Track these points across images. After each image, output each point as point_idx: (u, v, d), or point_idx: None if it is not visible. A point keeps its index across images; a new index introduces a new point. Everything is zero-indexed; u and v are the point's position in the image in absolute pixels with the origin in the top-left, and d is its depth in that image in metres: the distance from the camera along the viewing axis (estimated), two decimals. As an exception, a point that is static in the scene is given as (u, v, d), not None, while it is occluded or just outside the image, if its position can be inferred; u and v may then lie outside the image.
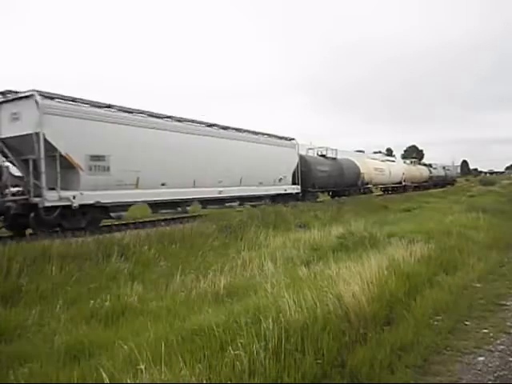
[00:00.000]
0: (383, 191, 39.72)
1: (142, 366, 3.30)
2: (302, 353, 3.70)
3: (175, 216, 17.16)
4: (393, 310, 5.20)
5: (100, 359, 3.81)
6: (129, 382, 3.16)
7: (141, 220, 16.07)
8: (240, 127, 20.66)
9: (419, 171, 48.23)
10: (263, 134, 22.46)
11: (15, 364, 3.92)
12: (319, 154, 29.52)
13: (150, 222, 15.46)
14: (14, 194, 11.99)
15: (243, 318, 4.18)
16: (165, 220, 16.00)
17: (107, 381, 3.17)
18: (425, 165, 54.26)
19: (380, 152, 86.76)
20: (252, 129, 21.58)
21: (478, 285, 7.04)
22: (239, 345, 3.63)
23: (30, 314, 5.39)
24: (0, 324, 5.04)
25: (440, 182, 53.00)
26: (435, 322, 5.21)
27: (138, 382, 3.17)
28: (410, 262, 7.05)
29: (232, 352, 3.54)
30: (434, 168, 55.34)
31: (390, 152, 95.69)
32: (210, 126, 18.66)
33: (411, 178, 44.12)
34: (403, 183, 41.69)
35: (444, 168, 60.64)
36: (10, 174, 12.37)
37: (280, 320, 4.02)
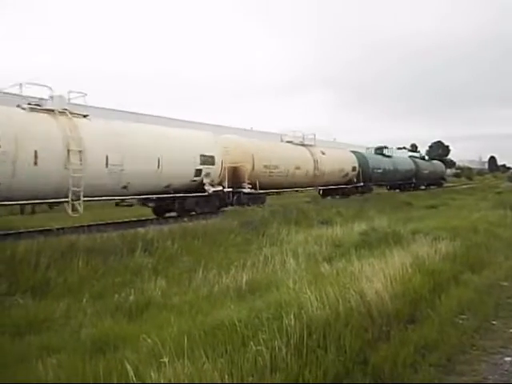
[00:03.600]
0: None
1: (166, 360, 3.34)
2: (324, 349, 3.68)
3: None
4: (417, 308, 5.13)
5: (125, 352, 3.88)
6: (152, 375, 3.21)
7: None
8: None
9: (336, 162, 27.13)
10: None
11: (44, 355, 4.03)
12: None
13: (172, 217, 15.61)
14: None
15: (265, 314, 4.19)
16: (187, 216, 16.15)
17: (131, 373, 3.23)
18: (382, 154, 35.86)
19: (404, 148, 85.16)
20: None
21: (506, 283, 6.87)
22: (261, 340, 3.64)
23: (58, 306, 5.54)
24: (30, 316, 5.20)
25: (407, 182, 37.40)
26: (460, 321, 5.11)
27: (161, 375, 3.22)
28: (435, 260, 6.93)
29: (254, 347, 3.55)
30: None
31: (414, 148, 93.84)
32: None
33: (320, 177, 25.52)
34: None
35: (423, 159, 47.04)
36: None
37: (302, 316, 4.02)
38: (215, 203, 17.47)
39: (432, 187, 43.26)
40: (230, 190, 18.19)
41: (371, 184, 31.10)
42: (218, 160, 17.41)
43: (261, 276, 6.75)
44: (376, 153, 35.87)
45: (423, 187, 41.94)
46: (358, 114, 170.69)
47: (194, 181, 16.51)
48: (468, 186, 47.88)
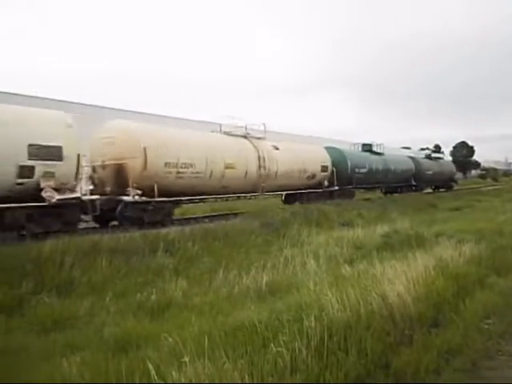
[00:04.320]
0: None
1: (187, 359, 3.37)
2: (344, 352, 3.65)
3: (217, 213, 17.52)
4: (440, 312, 5.03)
5: (146, 351, 3.93)
6: (173, 374, 3.24)
7: (185, 217, 16.40)
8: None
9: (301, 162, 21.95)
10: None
11: (68, 352, 4.12)
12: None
13: (193, 218, 15.74)
14: None
15: (285, 316, 4.18)
16: (208, 217, 16.25)
17: (153, 372, 3.27)
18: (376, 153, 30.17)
19: (427, 148, 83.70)
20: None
21: (534, 288, 6.67)
22: (281, 342, 3.64)
23: (82, 305, 5.65)
24: (55, 314, 5.32)
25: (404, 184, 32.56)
26: (486, 326, 4.99)
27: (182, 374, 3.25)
28: (459, 263, 6.79)
29: (274, 349, 3.55)
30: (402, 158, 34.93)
31: (438, 148, 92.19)
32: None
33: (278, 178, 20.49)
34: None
35: (429, 158, 40.50)
36: None
37: (323, 318, 3.99)
38: (69, 217, 11.64)
39: (441, 190, 38.68)
40: (97, 197, 12.71)
41: (351, 187, 24.95)
42: (69, 153, 11.52)
43: (281, 277, 6.74)
44: (363, 149, 29.95)
45: (428, 190, 37.15)
46: (378, 114, 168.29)
47: (21, 184, 10.67)
48: (493, 187, 46.36)
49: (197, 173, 15.47)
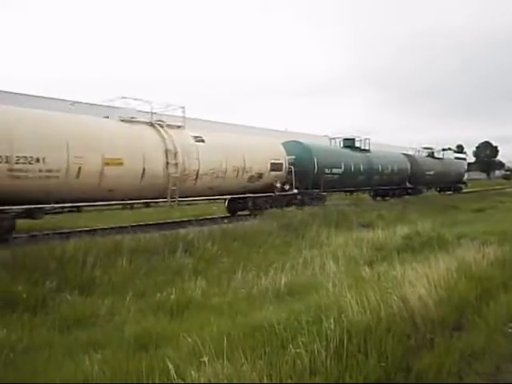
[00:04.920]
0: None
1: (206, 359, 3.40)
2: (364, 355, 3.62)
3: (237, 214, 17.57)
4: (462, 315, 4.94)
5: (166, 350, 3.97)
6: (192, 373, 3.27)
7: (202, 217, 16.50)
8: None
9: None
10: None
11: (90, 349, 4.19)
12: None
13: (211, 219, 15.82)
14: None
15: (304, 317, 4.17)
16: (226, 217, 16.31)
17: (173, 372, 3.30)
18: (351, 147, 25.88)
19: (450, 149, 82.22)
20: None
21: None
22: (300, 343, 3.63)
23: (103, 303, 5.73)
24: (77, 312, 5.42)
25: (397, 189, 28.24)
26: (510, 330, 4.87)
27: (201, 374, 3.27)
28: (482, 265, 6.65)
29: (293, 350, 3.55)
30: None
31: (460, 148, 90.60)
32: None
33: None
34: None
35: (431, 156, 35.55)
36: None
37: (342, 320, 3.97)
38: None
39: (446, 193, 35.35)
40: None
41: (319, 191, 20.43)
42: None
43: (300, 278, 6.72)
44: (345, 145, 25.44)
45: (430, 192, 33.33)
46: (399, 114, 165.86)
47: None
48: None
49: (49, 171, 10.87)
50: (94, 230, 10.89)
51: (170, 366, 3.34)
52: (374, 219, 14.20)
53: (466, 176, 42.10)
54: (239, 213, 17.96)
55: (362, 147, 26.34)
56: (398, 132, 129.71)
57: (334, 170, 22.14)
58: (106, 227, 12.64)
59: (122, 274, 7.11)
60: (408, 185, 29.67)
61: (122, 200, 13.64)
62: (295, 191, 19.10)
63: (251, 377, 3.22)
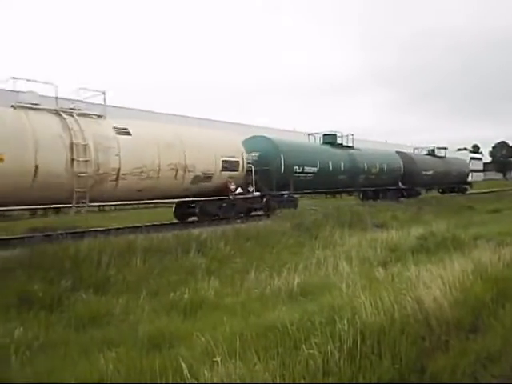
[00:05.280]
0: None
1: (218, 359, 3.41)
2: (378, 356, 3.59)
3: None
4: (478, 317, 4.87)
5: (179, 349, 3.99)
6: (205, 373, 3.28)
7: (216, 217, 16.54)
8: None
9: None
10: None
11: (104, 348, 4.24)
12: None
13: (225, 219, 15.86)
14: None
15: (317, 318, 4.15)
16: (240, 218, 16.33)
17: (186, 371, 3.31)
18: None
19: (465, 149, 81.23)
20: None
21: None
22: (313, 344, 3.62)
23: (118, 302, 5.80)
24: (92, 311, 5.49)
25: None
26: (527, 333, 4.79)
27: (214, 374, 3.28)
28: (499, 267, 6.54)
29: (306, 351, 3.54)
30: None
31: (476, 148, 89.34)
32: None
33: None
34: None
35: (431, 155, 32.41)
36: None
37: (355, 321, 3.94)
38: None
39: (449, 194, 32.56)
40: None
41: (288, 193, 17.76)
42: None
43: (313, 279, 6.70)
44: (325, 141, 22.83)
45: (431, 193, 31.26)
46: (412, 114, 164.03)
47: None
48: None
49: None
50: (109, 229, 11.00)
51: (184, 365, 3.36)
52: (388, 220, 14.09)
53: (470, 176, 38.67)
54: (190, 219, 15.43)
55: (345, 144, 23.53)
56: (411, 133, 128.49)
57: (307, 169, 19.08)
58: (120, 227, 12.76)
59: (136, 273, 7.17)
60: (401, 185, 26.52)
61: (5, 205, 10.82)
62: (256, 194, 16.35)
63: (264, 377, 3.22)
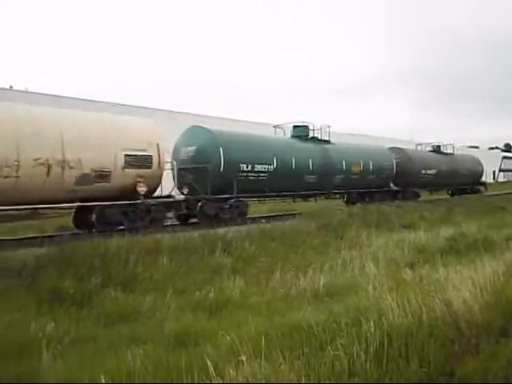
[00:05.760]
0: None
1: (244, 358, 3.42)
2: (405, 359, 3.53)
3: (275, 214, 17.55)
4: (510, 320, 4.71)
5: (205, 347, 4.03)
6: (230, 372, 3.30)
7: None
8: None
9: None
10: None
11: (132, 344, 4.32)
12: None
13: (250, 218, 15.90)
14: None
15: (343, 319, 4.12)
16: (265, 217, 16.34)
17: (211, 369, 3.34)
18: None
19: (497, 148, 78.95)
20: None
21: None
22: (339, 345, 3.59)
23: (145, 300, 5.90)
24: (120, 308, 5.61)
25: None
26: None
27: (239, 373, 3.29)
28: (533, 269, 6.33)
29: (331, 352, 3.51)
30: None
31: (508, 147, 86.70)
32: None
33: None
34: None
35: (437, 151, 28.48)
36: None
37: (382, 323, 3.89)
38: None
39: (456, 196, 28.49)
40: None
41: (236, 197, 14.63)
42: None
43: (339, 279, 6.64)
44: (295, 134, 18.93)
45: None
46: (439, 114, 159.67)
47: None
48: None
49: None
50: (136, 228, 11.19)
51: (209, 363, 3.39)
52: (416, 220, 13.82)
53: (484, 176, 33.64)
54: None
55: (320, 137, 19.60)
56: (438, 132, 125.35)
57: (259, 167, 15.37)
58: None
59: (163, 271, 7.28)
60: (393, 187, 22.60)
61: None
62: (179, 197, 13.54)
63: (289, 377, 3.22)
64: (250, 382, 3.19)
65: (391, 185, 22.75)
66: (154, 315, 5.45)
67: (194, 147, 14.48)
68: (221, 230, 10.53)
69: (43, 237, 10.50)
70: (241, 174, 14.93)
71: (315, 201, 19.28)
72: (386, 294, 4.60)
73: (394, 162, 22.91)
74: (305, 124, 19.42)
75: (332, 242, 10.24)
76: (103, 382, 3.23)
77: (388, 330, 3.78)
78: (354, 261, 7.69)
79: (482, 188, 32.03)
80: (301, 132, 19.22)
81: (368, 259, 7.69)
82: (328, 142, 19.74)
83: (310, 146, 18.68)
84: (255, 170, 15.52)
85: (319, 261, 7.80)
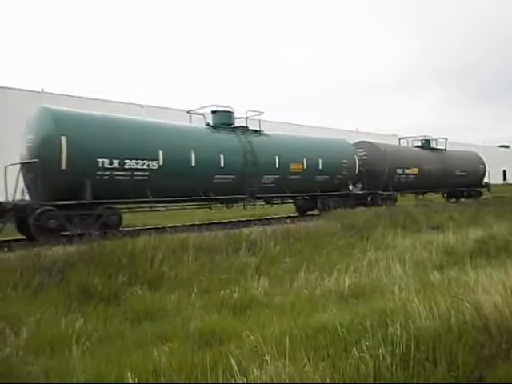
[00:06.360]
0: None
1: (268, 358, 3.43)
2: (433, 362, 3.47)
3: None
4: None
5: (229, 346, 4.06)
6: (254, 371, 3.31)
7: (268, 217, 16.59)
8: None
9: None
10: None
11: (158, 342, 4.39)
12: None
13: (274, 218, 15.88)
14: None
15: (369, 321, 4.07)
16: (289, 217, 16.29)
17: (235, 368, 3.36)
18: None
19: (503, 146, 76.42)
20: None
21: None
22: (364, 347, 3.55)
23: (170, 298, 5.98)
24: (147, 305, 5.70)
25: None
26: None
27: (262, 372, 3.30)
28: None
29: (356, 354, 3.48)
30: None
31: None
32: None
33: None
34: None
35: (428, 148, 23.64)
36: None
37: (409, 326, 3.83)
38: None
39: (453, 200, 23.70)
40: None
41: (85, 203, 10.63)
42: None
43: (364, 281, 6.57)
44: (214, 124, 14.75)
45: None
46: (473, 111, 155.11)
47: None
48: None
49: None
50: (163, 227, 11.34)
51: (233, 362, 3.41)
52: (445, 221, 13.52)
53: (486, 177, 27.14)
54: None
55: (252, 128, 15.50)
56: (472, 130, 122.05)
57: (133, 164, 11.65)
58: (177, 225, 13.08)
59: (188, 270, 7.36)
60: (354, 190, 18.14)
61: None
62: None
63: (314, 378, 3.21)
64: (275, 381, 3.19)
65: (350, 187, 17.87)
66: (179, 313, 5.51)
67: (31, 136, 10.88)
68: (245, 230, 10.57)
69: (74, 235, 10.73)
70: (101, 174, 11.06)
71: (227, 207, 14.81)
72: (412, 297, 4.53)
73: (357, 159, 18.18)
74: (228, 110, 15.19)
75: (357, 243, 10.14)
76: (130, 378, 3.29)
77: (415, 333, 3.71)
78: (380, 262, 7.59)
79: (483, 190, 26.20)
80: (220, 119, 14.88)
81: (394, 261, 7.58)
82: (259, 132, 15.51)
83: (225, 137, 14.37)
84: (126, 167, 11.48)
85: (344, 262, 7.74)
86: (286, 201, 17.07)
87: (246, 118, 15.66)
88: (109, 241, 8.21)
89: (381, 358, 3.43)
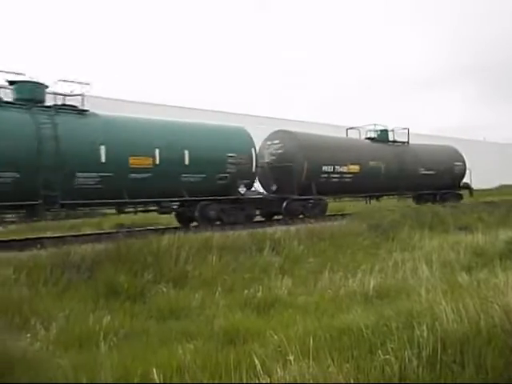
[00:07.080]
0: None
1: (291, 358, 3.42)
2: (460, 366, 3.39)
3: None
4: None
5: (253, 346, 4.07)
6: (278, 371, 3.30)
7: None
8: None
9: None
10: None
11: (182, 340, 4.44)
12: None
13: (299, 218, 15.81)
14: None
15: (394, 322, 4.01)
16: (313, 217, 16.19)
17: (259, 367, 3.37)
18: None
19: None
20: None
21: None
22: (389, 349, 3.50)
23: (194, 297, 6.04)
24: (172, 303, 5.77)
25: None
26: None
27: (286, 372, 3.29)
28: None
29: (381, 356, 3.43)
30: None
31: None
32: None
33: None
34: None
35: (381, 140, 18.93)
36: None
37: (436, 328, 3.75)
38: None
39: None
40: None
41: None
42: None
43: (390, 282, 6.47)
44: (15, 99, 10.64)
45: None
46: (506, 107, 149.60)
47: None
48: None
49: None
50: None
51: (257, 361, 3.42)
52: (473, 222, 13.19)
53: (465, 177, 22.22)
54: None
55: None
56: (500, 127, 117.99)
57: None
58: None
59: (212, 269, 7.41)
60: (248, 193, 13.70)
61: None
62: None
63: (337, 379, 3.18)
64: (298, 382, 3.18)
65: (242, 190, 13.46)
66: (203, 312, 5.56)
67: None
68: (269, 229, 10.56)
69: (101, 233, 11.00)
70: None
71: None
72: (439, 298, 4.43)
73: (254, 152, 14.08)
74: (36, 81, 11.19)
75: (383, 244, 10.01)
76: (155, 375, 3.33)
77: (442, 336, 3.64)
78: (406, 263, 7.46)
79: (462, 193, 21.67)
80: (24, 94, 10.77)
81: (421, 261, 7.43)
82: (81, 112, 11.45)
83: (10, 115, 10.30)
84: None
85: (369, 262, 7.64)
86: (135, 208, 12.47)
87: (79, 95, 11.50)
88: (135, 239, 8.34)
89: (407, 360, 3.37)
